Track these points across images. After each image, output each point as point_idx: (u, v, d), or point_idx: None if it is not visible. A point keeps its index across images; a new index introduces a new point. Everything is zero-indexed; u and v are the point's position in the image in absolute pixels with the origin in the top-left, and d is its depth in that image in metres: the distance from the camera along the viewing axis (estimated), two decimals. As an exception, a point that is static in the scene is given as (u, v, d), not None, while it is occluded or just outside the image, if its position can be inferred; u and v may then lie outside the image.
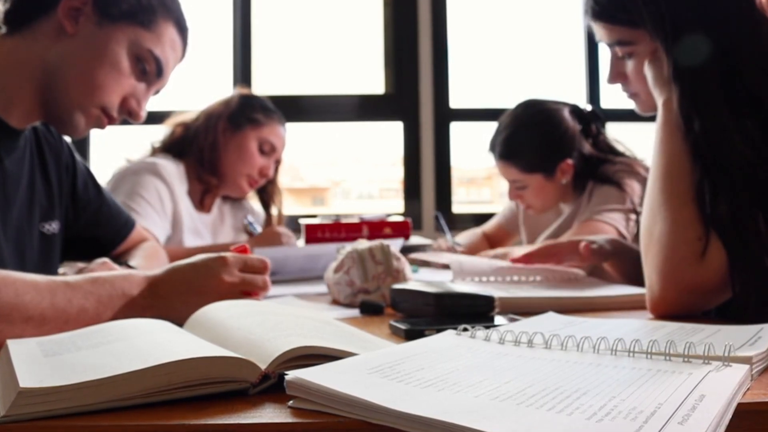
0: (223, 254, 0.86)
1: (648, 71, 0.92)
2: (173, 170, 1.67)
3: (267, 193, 1.90)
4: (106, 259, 1.03)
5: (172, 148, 1.76)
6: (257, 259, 0.89)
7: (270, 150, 1.79)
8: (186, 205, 1.71)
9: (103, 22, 0.99)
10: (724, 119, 0.83)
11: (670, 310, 0.84)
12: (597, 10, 0.94)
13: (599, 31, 0.96)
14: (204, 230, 1.77)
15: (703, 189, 0.83)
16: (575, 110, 1.76)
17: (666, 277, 0.83)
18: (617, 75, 0.98)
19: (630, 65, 0.96)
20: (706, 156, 0.83)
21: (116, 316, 0.77)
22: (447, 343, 0.61)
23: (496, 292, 0.93)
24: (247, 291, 0.86)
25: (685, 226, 0.83)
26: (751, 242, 0.79)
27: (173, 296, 0.81)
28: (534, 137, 1.71)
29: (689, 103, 0.85)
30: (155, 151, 1.76)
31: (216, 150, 1.74)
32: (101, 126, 1.04)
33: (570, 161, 1.69)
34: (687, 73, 0.85)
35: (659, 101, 0.90)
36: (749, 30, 0.85)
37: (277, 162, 1.86)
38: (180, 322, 0.71)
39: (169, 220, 1.63)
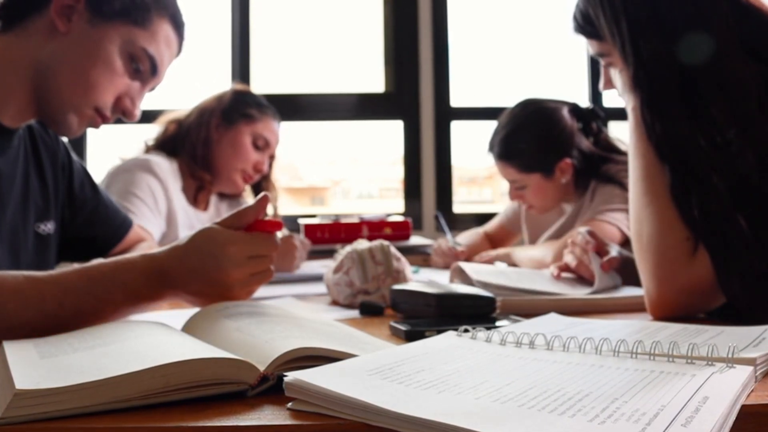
0: (230, 242, 0.76)
1: (617, 79, 0.94)
2: (166, 167, 1.67)
3: (262, 190, 1.89)
4: (102, 260, 1.02)
5: (165, 145, 1.75)
6: (263, 241, 0.79)
7: (264, 145, 1.78)
8: (180, 201, 1.70)
9: (96, 21, 0.98)
10: (683, 123, 0.84)
11: (669, 311, 0.84)
12: (575, 26, 0.98)
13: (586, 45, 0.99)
14: (200, 227, 1.76)
15: (678, 190, 0.84)
16: (575, 109, 1.75)
17: (660, 279, 0.83)
18: (607, 82, 1.00)
19: (614, 75, 0.97)
20: (671, 159, 0.84)
21: (119, 309, 0.74)
22: (448, 344, 0.61)
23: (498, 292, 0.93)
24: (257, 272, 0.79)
25: (671, 228, 0.83)
26: (732, 243, 0.79)
27: (182, 286, 0.76)
28: (531, 136, 1.70)
29: (648, 108, 0.86)
30: (149, 149, 1.75)
31: (209, 145, 1.73)
32: (95, 126, 1.03)
33: (569, 160, 1.68)
34: (645, 80, 0.87)
35: (629, 107, 0.92)
36: (704, 39, 0.85)
37: (272, 158, 1.86)
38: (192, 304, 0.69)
39: (163, 217, 1.63)
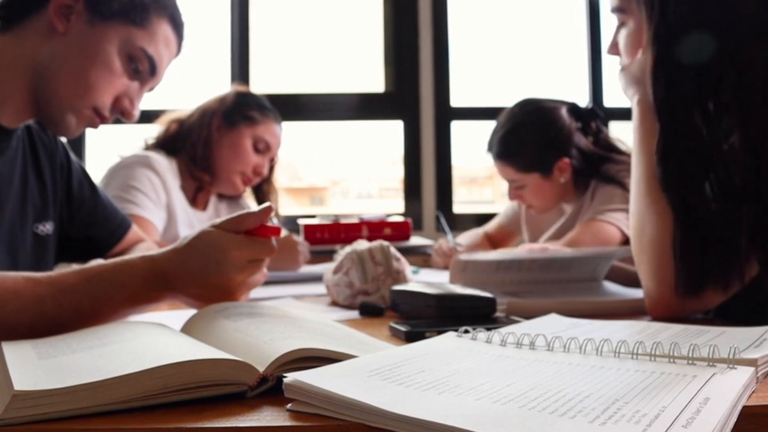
0: (232, 247, 0.76)
1: (621, 78, 0.94)
2: (165, 164, 1.67)
3: (262, 192, 1.89)
4: (100, 261, 1.02)
5: (165, 144, 1.75)
6: (262, 246, 0.79)
7: (265, 148, 1.78)
8: (179, 199, 1.70)
9: (94, 21, 0.98)
10: (688, 90, 0.83)
11: (669, 312, 0.84)
12: None
13: None
14: (199, 227, 1.76)
15: (663, 152, 0.83)
16: (573, 108, 1.75)
17: (662, 281, 0.83)
18: (613, 46, 0.99)
19: (622, 35, 0.96)
20: (665, 122, 0.84)
21: (118, 310, 0.74)
22: (448, 345, 0.61)
23: (500, 297, 0.93)
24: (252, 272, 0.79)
25: (675, 230, 0.83)
26: (722, 239, 0.79)
27: (182, 289, 0.76)
28: (529, 136, 1.70)
29: (660, 66, 0.85)
30: (149, 148, 1.75)
31: (209, 146, 1.73)
32: (93, 126, 1.03)
33: (567, 160, 1.68)
34: (665, 36, 0.85)
35: (633, 101, 0.91)
36: (734, 18, 0.84)
37: (273, 160, 1.85)
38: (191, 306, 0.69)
39: (164, 210, 1.63)
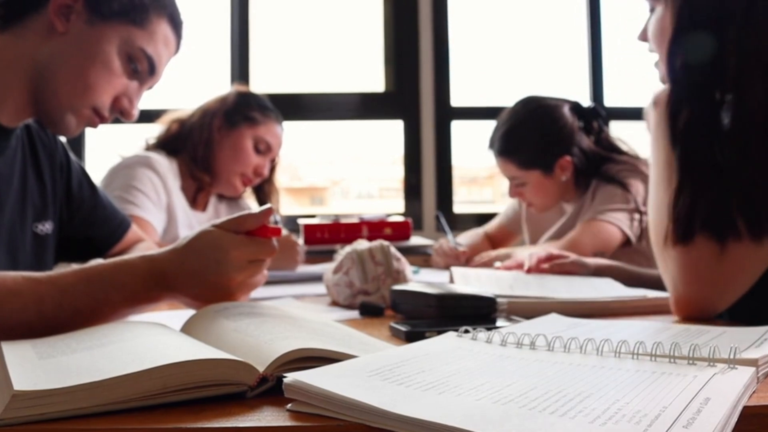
0: (232, 247, 0.76)
1: (645, 117, 0.97)
2: (165, 165, 1.67)
3: (263, 192, 1.89)
4: (100, 261, 1.02)
5: (166, 144, 1.75)
6: (263, 246, 0.78)
7: (266, 149, 1.78)
8: (180, 199, 1.70)
9: (94, 21, 0.98)
10: (699, 72, 0.85)
11: (697, 308, 0.84)
12: None
13: None
14: (199, 227, 1.76)
15: (672, 108, 0.87)
16: (576, 107, 1.75)
17: (688, 276, 0.83)
18: (643, 32, 1.00)
19: (651, 20, 0.97)
20: (678, 91, 0.86)
21: (118, 310, 0.74)
22: (448, 345, 0.61)
23: (501, 292, 0.93)
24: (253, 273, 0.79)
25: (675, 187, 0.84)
26: (713, 194, 0.81)
27: (182, 289, 0.76)
28: (531, 133, 1.70)
29: (678, 39, 0.87)
30: (149, 148, 1.75)
31: (210, 147, 1.73)
32: (93, 125, 1.03)
33: (569, 158, 1.68)
34: (687, 17, 0.87)
35: (649, 116, 0.94)
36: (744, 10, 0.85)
37: (274, 161, 1.85)
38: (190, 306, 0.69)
39: (164, 212, 1.63)
